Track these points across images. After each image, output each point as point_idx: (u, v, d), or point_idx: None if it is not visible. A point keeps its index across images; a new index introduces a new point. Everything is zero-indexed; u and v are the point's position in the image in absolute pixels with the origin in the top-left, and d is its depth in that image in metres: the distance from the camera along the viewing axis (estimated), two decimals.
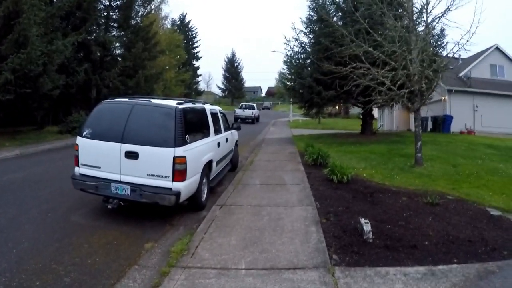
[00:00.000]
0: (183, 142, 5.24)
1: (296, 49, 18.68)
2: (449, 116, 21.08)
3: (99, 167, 5.39)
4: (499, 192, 7.09)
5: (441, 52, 12.63)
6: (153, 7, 31.74)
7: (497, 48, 24.94)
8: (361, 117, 19.41)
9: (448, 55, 10.35)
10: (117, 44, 22.92)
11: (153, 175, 5.14)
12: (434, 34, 12.46)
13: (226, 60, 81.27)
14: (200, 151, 6.01)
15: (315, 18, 17.62)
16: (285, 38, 21.24)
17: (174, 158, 5.07)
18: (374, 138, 17.18)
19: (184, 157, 5.17)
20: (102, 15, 21.53)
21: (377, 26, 10.58)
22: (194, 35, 62.19)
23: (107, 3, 21.81)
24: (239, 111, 34.20)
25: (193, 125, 6.04)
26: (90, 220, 5.53)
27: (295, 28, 21.01)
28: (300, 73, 17.31)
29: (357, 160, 10.57)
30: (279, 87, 68.13)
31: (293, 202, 6.30)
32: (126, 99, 5.94)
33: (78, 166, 5.59)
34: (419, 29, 10.40)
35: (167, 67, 34.80)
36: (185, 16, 61.52)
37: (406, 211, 5.82)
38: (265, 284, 3.45)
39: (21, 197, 6.54)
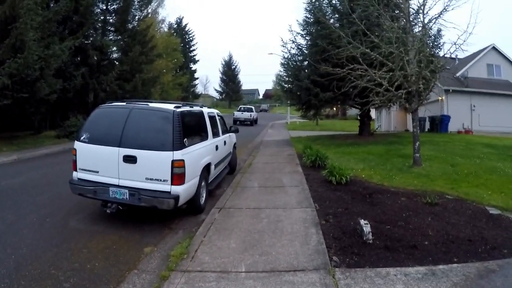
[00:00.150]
0: (181, 146, 5.23)
1: (293, 51, 18.70)
2: (446, 116, 21.15)
3: (97, 172, 5.36)
4: (498, 191, 7.10)
5: (438, 53, 12.68)
6: (150, 10, 31.76)
7: (494, 48, 25.08)
8: (359, 118, 19.42)
9: (445, 56, 10.37)
10: (114, 48, 22.90)
11: (151, 179, 5.12)
12: (431, 35, 12.51)
13: (223, 63, 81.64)
14: (199, 154, 6.00)
15: (312, 20, 17.63)
16: (282, 40, 21.25)
17: (173, 161, 5.06)
18: (372, 139, 17.19)
19: (183, 160, 5.16)
20: (99, 19, 21.52)
21: (374, 27, 10.61)
22: (191, 38, 62.21)
23: (104, 7, 21.83)
24: (238, 114, 34.83)
25: (191, 129, 6.03)
26: (88, 225, 5.50)
27: (292, 30, 21.00)
28: (297, 75, 17.31)
29: (355, 161, 10.58)
30: (277, 89, 68.18)
31: (292, 204, 6.29)
32: (124, 103, 5.92)
33: (76, 170, 5.56)
34: (416, 30, 10.48)
35: (164, 70, 34.80)
36: (182, 19, 61.61)
37: (405, 211, 5.82)
38: (266, 286, 3.44)
39: (19, 202, 6.50)
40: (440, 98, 21.80)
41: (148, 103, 5.93)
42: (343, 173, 7.87)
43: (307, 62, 17.76)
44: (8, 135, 15.62)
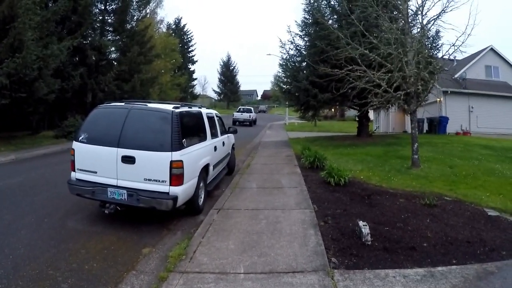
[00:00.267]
0: (180, 146, 5.22)
1: (291, 52, 18.67)
2: (444, 118, 21.18)
3: (96, 172, 5.35)
4: (496, 193, 7.12)
5: (436, 54, 12.70)
6: (148, 11, 31.80)
7: (492, 49, 25.12)
8: (357, 119, 19.44)
9: (444, 57, 10.38)
10: (113, 48, 22.88)
11: (150, 180, 5.11)
12: (429, 36, 12.53)
13: (222, 63, 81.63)
14: (197, 155, 5.99)
15: (310, 21, 17.64)
16: (281, 41, 21.15)
17: (171, 162, 5.05)
18: (370, 140, 17.21)
19: (181, 161, 5.15)
20: (98, 19, 21.51)
21: (372, 28, 10.62)
22: (189, 39, 62.18)
23: (103, 7, 21.80)
24: (237, 114, 35.28)
25: (189, 129, 6.02)
26: (87, 225, 5.48)
27: (290, 31, 20.93)
28: (296, 76, 17.31)
29: (353, 163, 10.58)
30: (275, 90, 68.07)
31: (291, 205, 6.29)
32: (122, 103, 5.90)
33: (74, 171, 5.54)
34: (415, 31, 10.47)
35: (162, 71, 34.79)
36: (180, 20, 61.53)
37: (404, 213, 5.82)
38: None
39: (16, 202, 6.48)
40: (438, 99, 21.84)
41: (147, 104, 5.92)
42: (341, 174, 7.86)
43: (305, 63, 17.77)
44: (6, 135, 15.58)
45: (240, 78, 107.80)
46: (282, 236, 4.79)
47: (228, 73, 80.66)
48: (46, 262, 4.14)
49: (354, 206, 6.25)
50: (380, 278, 3.60)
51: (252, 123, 35.12)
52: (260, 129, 29.30)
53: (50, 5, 16.34)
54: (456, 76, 23.26)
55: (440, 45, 13.80)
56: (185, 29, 61.62)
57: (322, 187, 7.68)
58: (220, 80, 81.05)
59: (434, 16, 9.67)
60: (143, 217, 5.79)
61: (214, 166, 7.25)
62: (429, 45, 13.01)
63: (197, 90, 70.79)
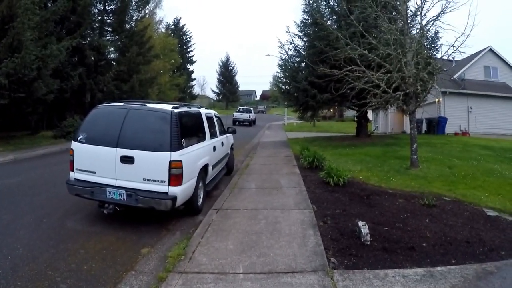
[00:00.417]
0: (179, 147, 5.21)
1: (290, 52, 18.68)
2: (443, 118, 21.22)
3: (95, 172, 5.34)
4: (495, 193, 7.12)
5: (435, 55, 12.72)
6: (147, 11, 31.74)
7: (491, 50, 25.19)
8: (356, 119, 19.46)
9: (443, 58, 10.39)
10: (112, 49, 22.87)
11: (149, 180, 5.10)
12: (428, 37, 12.55)
13: (221, 64, 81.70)
14: (196, 155, 5.98)
15: (309, 21, 17.66)
16: (280, 41, 21.41)
17: (170, 162, 5.04)
18: (369, 140, 17.23)
19: (180, 161, 5.15)
20: (97, 20, 21.49)
21: (371, 29, 10.64)
22: (188, 39, 62.20)
23: (102, 8, 21.77)
24: (237, 115, 35.68)
25: (188, 129, 6.01)
26: (85, 225, 5.47)
27: (289, 32, 21.02)
28: (295, 77, 17.32)
29: (352, 163, 10.59)
30: (274, 90, 68.21)
31: (290, 206, 6.28)
32: (121, 104, 5.90)
33: (73, 171, 5.53)
34: (414, 32, 10.46)
35: (161, 71, 34.69)
36: (179, 20, 61.57)
37: (403, 213, 5.82)
38: None
39: (15, 202, 6.46)
40: (437, 100, 21.90)
41: (146, 104, 5.91)
42: (340, 174, 7.87)
43: (304, 63, 17.75)
44: (5, 135, 15.56)
45: (239, 78, 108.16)
46: (281, 236, 4.79)
47: (227, 74, 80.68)
48: (45, 262, 4.13)
49: (353, 206, 6.25)
50: (379, 278, 3.60)
51: (251, 123, 35.49)
52: (259, 129, 29.31)
53: (49, 5, 16.32)
54: (455, 76, 23.31)
55: (439, 45, 13.87)
56: (184, 30, 61.69)
57: (321, 187, 7.68)
58: (219, 81, 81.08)
59: (433, 17, 9.69)
60: (142, 217, 5.79)
61: (213, 166, 7.24)
62: (428, 46, 13.05)
63: (196, 90, 71.04)
